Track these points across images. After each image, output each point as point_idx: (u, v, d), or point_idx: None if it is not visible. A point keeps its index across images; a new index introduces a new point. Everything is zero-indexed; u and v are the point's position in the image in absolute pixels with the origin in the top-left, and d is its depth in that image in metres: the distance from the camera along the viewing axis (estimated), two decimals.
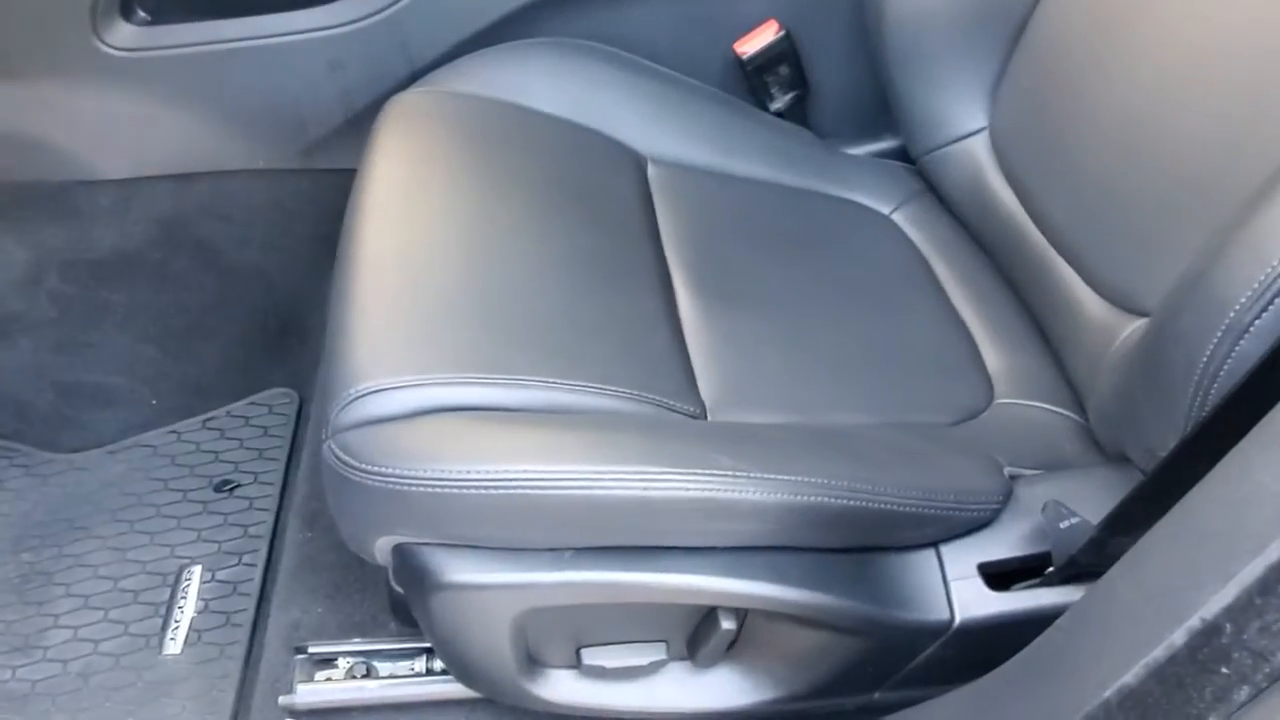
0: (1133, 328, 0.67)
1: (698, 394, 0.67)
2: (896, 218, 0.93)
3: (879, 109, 0.95)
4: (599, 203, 0.81)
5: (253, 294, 1.04)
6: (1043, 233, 0.79)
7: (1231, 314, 0.48)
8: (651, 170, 0.89)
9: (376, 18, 0.90)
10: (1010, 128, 0.85)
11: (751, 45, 0.95)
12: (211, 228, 1.02)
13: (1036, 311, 0.79)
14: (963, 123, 0.88)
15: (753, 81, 0.97)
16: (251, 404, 1.03)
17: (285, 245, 1.05)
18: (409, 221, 0.72)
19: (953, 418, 0.72)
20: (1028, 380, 0.75)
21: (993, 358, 0.78)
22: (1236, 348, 0.48)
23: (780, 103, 0.98)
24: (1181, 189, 0.65)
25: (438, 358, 0.60)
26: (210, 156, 0.99)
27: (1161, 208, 0.66)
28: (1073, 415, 0.72)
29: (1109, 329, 0.69)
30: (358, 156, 0.87)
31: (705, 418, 0.66)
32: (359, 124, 0.95)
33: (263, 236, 1.03)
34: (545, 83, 0.90)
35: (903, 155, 0.96)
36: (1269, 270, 0.48)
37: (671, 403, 0.64)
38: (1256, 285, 0.48)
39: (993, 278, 0.85)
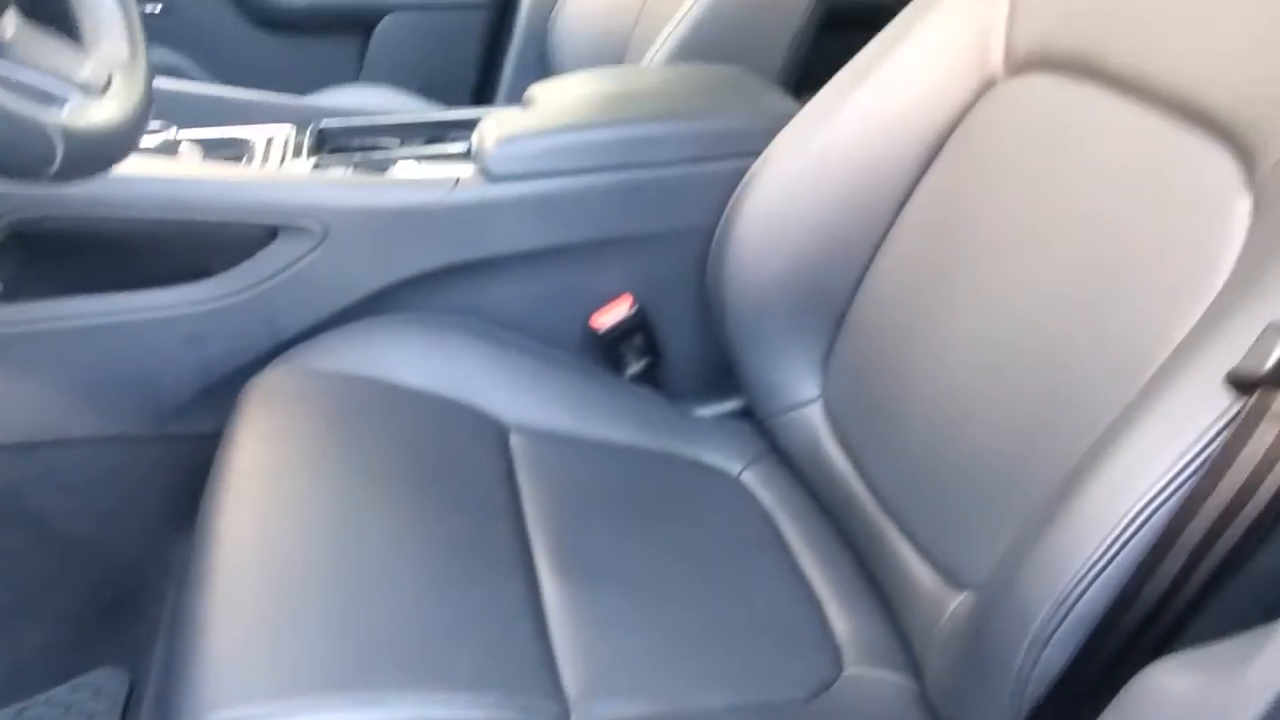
0: (959, 601, 0.73)
1: (561, 688, 0.68)
2: (745, 478, 0.99)
3: (727, 372, 1.03)
4: (463, 482, 0.83)
5: (88, 567, 0.98)
6: (876, 500, 0.86)
7: (1035, 624, 0.54)
8: (514, 439, 0.93)
9: (241, 296, 0.93)
10: (840, 398, 0.94)
11: (607, 319, 1.03)
12: (47, 498, 0.97)
13: (876, 578, 0.85)
14: (798, 392, 0.97)
15: (609, 351, 1.04)
16: (75, 688, 0.95)
17: (126, 515, 1.00)
18: (267, 519, 0.71)
19: (806, 692, 0.74)
20: (874, 647, 0.80)
21: (840, 623, 0.82)
22: (1043, 655, 0.54)
23: (635, 368, 1.06)
24: (992, 470, 0.73)
25: (299, 677, 0.59)
26: (52, 426, 0.95)
27: (976, 486, 0.74)
28: (916, 683, 0.76)
29: (939, 601, 0.74)
30: (212, 422, 0.86)
31: (570, 713, 0.66)
32: (216, 392, 0.95)
33: (103, 506, 0.99)
34: (409, 357, 0.93)
35: (751, 413, 1.04)
36: (1065, 582, 0.54)
37: (537, 702, 0.64)
38: (1054, 598, 0.54)
39: (838, 539, 0.91)
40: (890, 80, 0.87)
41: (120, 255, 0.91)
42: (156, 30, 1.67)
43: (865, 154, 0.89)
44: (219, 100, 1.16)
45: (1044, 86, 0.75)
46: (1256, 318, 0.47)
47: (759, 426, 1.02)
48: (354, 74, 1.70)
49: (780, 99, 1.07)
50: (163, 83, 1.17)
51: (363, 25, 1.68)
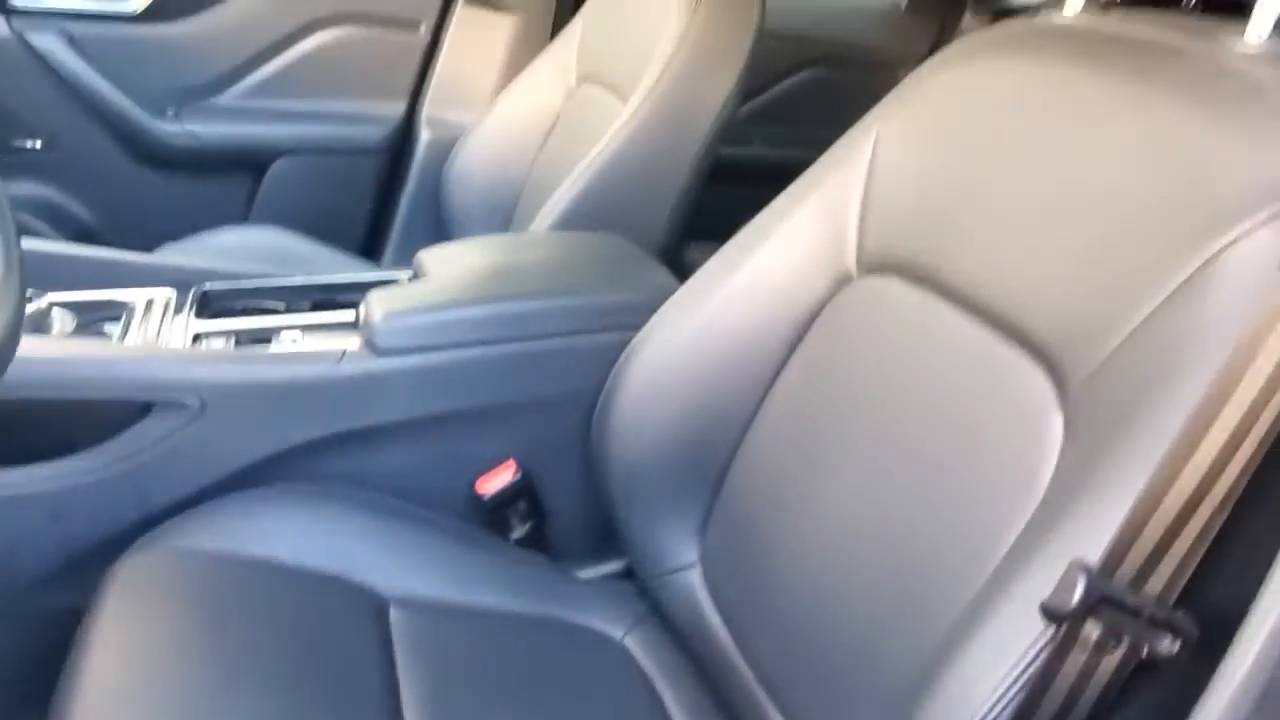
0: None
1: None
2: (628, 642, 1.00)
3: (611, 533, 1.05)
4: (337, 667, 0.81)
5: None
6: (751, 670, 0.88)
7: None
8: (394, 614, 0.91)
9: (110, 471, 0.90)
10: (717, 565, 0.96)
11: (491, 485, 1.04)
12: None
13: None
14: (678, 556, 0.99)
15: (494, 516, 1.05)
16: None
17: None
18: None
19: None
20: None
21: None
22: None
23: (519, 532, 1.06)
24: (853, 651, 0.76)
25: None
26: None
27: (839, 665, 0.77)
28: None
29: None
30: (72, 597, 0.83)
31: None
32: (78, 568, 0.91)
33: None
34: (285, 530, 0.92)
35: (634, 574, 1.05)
36: None
37: None
38: None
39: (719, 707, 0.92)
40: (759, 267, 0.93)
41: None
42: (37, 166, 1.65)
43: (737, 334, 0.94)
44: (98, 262, 1.14)
45: (891, 288, 0.82)
46: (1064, 550, 0.52)
47: (642, 587, 1.03)
48: (243, 214, 1.70)
49: (659, 272, 1.13)
50: (37, 244, 1.15)
51: (254, 167, 1.69)
